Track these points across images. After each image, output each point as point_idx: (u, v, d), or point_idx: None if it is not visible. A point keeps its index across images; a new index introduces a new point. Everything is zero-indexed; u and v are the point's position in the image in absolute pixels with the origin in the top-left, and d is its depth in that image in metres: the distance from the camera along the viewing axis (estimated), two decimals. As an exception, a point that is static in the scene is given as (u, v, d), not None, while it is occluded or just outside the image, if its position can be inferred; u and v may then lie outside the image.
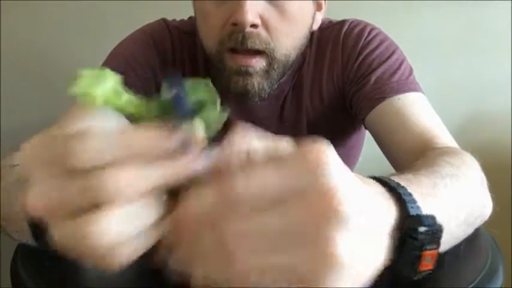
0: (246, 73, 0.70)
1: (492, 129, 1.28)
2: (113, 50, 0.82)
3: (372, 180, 0.38)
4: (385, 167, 0.71)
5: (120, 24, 0.87)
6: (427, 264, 0.38)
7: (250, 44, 0.68)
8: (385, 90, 0.75)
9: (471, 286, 0.48)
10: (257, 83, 0.71)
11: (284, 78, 0.80)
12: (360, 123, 0.83)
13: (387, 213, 0.36)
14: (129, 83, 0.82)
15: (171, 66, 0.80)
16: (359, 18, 0.86)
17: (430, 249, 0.38)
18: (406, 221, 0.36)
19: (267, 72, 0.71)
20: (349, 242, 0.28)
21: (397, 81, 0.76)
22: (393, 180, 0.39)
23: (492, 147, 1.26)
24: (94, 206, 0.29)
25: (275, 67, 0.71)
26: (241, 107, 0.81)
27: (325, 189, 0.27)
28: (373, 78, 0.77)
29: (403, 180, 0.41)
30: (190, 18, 0.85)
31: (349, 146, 0.89)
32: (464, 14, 1.25)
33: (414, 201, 0.38)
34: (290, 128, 0.83)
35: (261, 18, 0.68)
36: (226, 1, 0.68)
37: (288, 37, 0.71)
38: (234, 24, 0.67)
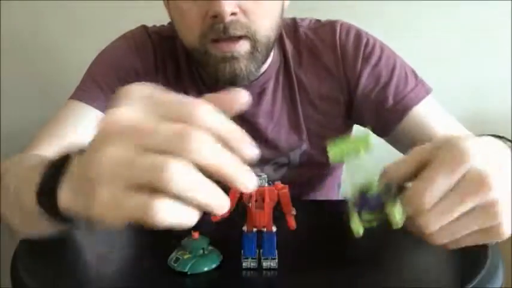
0: (232, 58, 0.71)
1: (492, 129, 1.27)
2: (97, 57, 0.83)
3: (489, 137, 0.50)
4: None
5: (120, 25, 0.87)
6: None
7: (232, 31, 0.69)
8: (405, 103, 0.79)
9: (471, 286, 0.48)
10: (244, 66, 0.72)
11: (265, 68, 0.81)
12: (353, 125, 0.87)
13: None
14: (114, 89, 0.83)
15: (154, 69, 0.81)
16: (360, 19, 0.86)
17: None
18: None
19: (251, 54, 0.72)
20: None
21: (412, 89, 0.80)
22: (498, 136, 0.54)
23: (492, 147, 1.25)
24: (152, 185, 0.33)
25: (259, 49, 0.73)
26: None
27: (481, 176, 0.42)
28: (390, 92, 0.79)
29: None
30: (170, 23, 0.86)
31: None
32: (464, 14, 1.25)
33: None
34: (286, 124, 0.83)
35: (238, 5, 0.69)
36: None
37: (266, 18, 0.73)
38: (214, 16, 0.68)
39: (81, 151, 0.42)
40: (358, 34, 0.83)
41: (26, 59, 1.25)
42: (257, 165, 0.84)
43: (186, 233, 0.49)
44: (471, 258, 0.51)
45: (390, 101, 0.79)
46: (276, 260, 0.50)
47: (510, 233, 0.44)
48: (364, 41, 0.82)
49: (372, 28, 0.85)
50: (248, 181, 0.35)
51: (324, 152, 0.87)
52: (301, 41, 0.84)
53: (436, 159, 0.43)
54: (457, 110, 1.30)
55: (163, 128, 0.33)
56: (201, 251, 0.50)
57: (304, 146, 0.84)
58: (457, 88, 1.25)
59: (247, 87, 0.80)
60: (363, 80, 0.81)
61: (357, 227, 0.44)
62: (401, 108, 0.79)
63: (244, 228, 0.50)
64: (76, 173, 0.41)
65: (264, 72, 0.81)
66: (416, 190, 0.42)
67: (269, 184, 0.48)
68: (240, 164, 0.35)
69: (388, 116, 0.80)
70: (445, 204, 0.42)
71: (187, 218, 0.34)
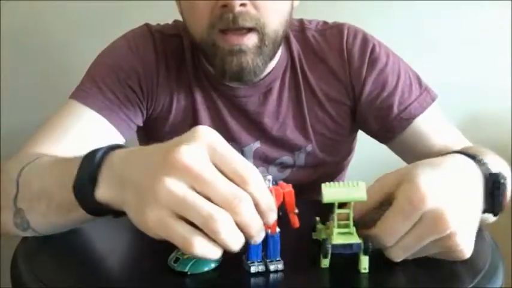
0: (240, 51, 0.71)
1: (492, 129, 1.28)
2: (97, 58, 0.82)
3: (459, 156, 0.56)
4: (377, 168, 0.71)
5: (120, 25, 0.86)
6: (506, 202, 0.55)
7: (241, 22, 0.70)
8: (409, 112, 0.80)
9: (471, 286, 0.48)
10: (251, 60, 0.72)
11: (272, 68, 0.81)
12: (358, 129, 0.88)
13: (478, 176, 0.54)
14: (114, 90, 0.85)
15: (155, 70, 0.81)
16: (361, 18, 0.86)
17: (506, 191, 0.55)
18: (490, 178, 0.54)
19: (259, 48, 0.73)
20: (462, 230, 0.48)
21: (416, 98, 0.80)
22: (469, 152, 0.57)
23: (492, 147, 1.25)
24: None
25: (266, 43, 0.73)
26: (233, 103, 0.82)
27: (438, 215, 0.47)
28: (394, 101, 0.80)
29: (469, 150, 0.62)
30: (174, 21, 0.86)
31: (350, 140, 0.90)
32: (464, 14, 1.25)
33: (486, 163, 0.56)
34: (291, 124, 0.83)
35: None
36: None
37: (276, 12, 0.73)
38: (224, 6, 0.69)
39: (117, 147, 0.49)
40: (365, 39, 0.83)
41: (26, 58, 1.25)
42: (262, 164, 0.84)
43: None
44: (471, 258, 0.51)
45: (394, 110, 0.80)
46: (282, 262, 0.50)
47: (471, 253, 0.50)
48: (370, 46, 0.82)
49: (372, 28, 0.85)
50: (259, 239, 0.44)
51: (330, 153, 0.87)
52: (308, 42, 0.84)
53: (395, 203, 0.48)
54: (457, 110, 1.30)
55: (223, 186, 0.41)
56: (201, 251, 0.50)
57: (310, 147, 0.84)
58: (457, 88, 1.25)
59: (253, 86, 0.80)
60: (367, 87, 0.81)
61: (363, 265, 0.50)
62: (405, 118, 0.80)
63: None
64: (119, 172, 0.46)
65: (270, 72, 0.81)
66: (380, 233, 0.48)
67: (273, 184, 0.48)
68: (262, 228, 0.43)
69: (391, 125, 0.81)
70: (406, 242, 0.48)
71: (214, 253, 0.41)
